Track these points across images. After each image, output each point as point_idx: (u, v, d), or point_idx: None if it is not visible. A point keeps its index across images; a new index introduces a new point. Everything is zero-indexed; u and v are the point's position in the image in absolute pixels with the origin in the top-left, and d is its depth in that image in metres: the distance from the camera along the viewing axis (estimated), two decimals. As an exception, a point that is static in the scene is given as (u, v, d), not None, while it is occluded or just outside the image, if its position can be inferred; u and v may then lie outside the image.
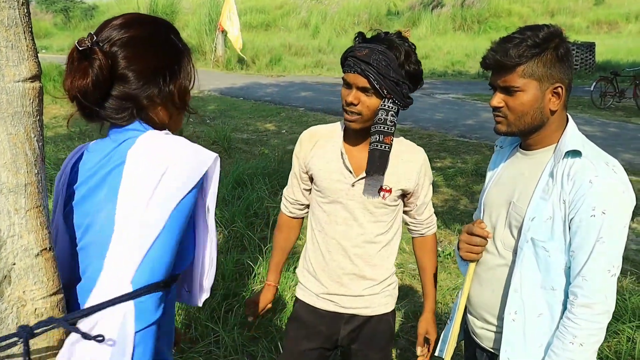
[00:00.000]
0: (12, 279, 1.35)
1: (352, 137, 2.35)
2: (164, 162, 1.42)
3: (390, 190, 2.33)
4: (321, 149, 2.40)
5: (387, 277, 2.47)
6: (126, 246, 1.39)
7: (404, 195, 2.42)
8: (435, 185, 7.50)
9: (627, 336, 3.82)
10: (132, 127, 1.55)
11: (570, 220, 1.85)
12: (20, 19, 1.33)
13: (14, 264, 1.35)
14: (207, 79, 17.80)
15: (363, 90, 2.19)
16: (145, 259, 1.39)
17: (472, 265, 2.15)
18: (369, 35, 2.27)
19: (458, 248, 2.17)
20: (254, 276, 4.68)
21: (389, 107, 2.19)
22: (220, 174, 1.55)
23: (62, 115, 11.68)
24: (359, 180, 2.32)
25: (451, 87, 17.93)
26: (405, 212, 2.50)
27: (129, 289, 1.38)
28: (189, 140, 1.50)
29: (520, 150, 2.09)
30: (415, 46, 2.27)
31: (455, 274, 5.06)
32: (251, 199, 6.08)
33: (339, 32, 30.24)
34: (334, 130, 2.43)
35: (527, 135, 2.01)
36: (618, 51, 24.96)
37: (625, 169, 1.92)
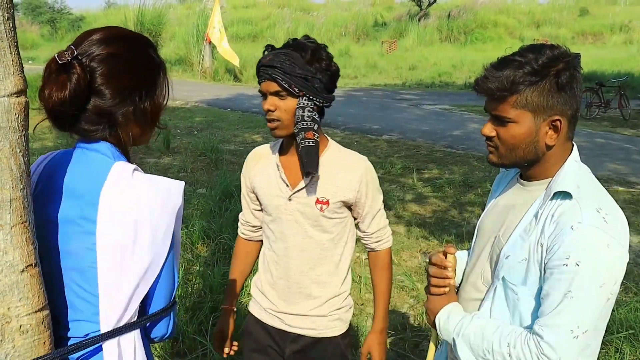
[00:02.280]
0: (-3, 295, 1.34)
1: (286, 150, 2.32)
2: (138, 212, 1.47)
3: (327, 202, 2.26)
4: (262, 167, 2.38)
5: (335, 296, 2.37)
6: (123, 286, 1.49)
7: (350, 208, 2.35)
8: (423, 196, 7.53)
9: (615, 347, 3.84)
10: (100, 148, 1.56)
11: (545, 265, 1.64)
12: (5, 34, 1.32)
13: (-1, 281, 1.34)
14: (194, 90, 17.78)
15: (276, 94, 2.18)
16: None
17: (434, 333, 2.05)
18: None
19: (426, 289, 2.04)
20: (242, 289, 4.65)
21: (304, 104, 2.18)
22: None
23: (49, 126, 11.61)
24: (295, 193, 2.27)
25: (438, 98, 18.02)
26: (356, 226, 2.43)
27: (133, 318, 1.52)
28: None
29: (519, 180, 1.88)
30: (325, 45, 2.27)
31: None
32: (238, 210, 6.03)
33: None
34: (275, 147, 2.41)
35: (523, 168, 1.83)
36: (603, 62, 25.22)
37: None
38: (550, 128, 1.70)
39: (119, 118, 1.56)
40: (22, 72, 1.38)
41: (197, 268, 4.97)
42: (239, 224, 2.59)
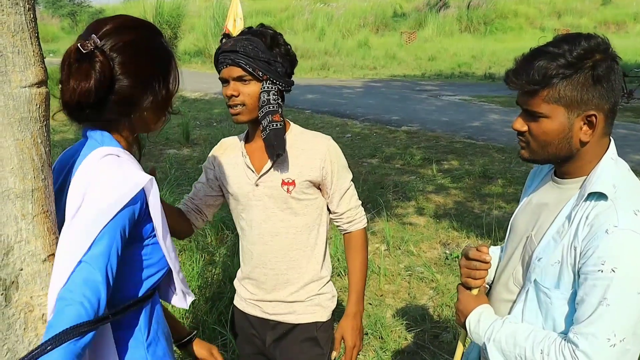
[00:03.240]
0: (20, 284, 1.35)
1: (250, 137, 2.33)
2: (85, 185, 1.43)
3: (293, 183, 2.25)
4: (228, 157, 2.39)
5: (313, 281, 2.36)
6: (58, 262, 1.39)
7: (319, 188, 2.34)
8: (442, 188, 7.49)
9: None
10: (96, 135, 1.55)
11: (579, 269, 1.57)
12: (26, 25, 1.33)
13: (22, 270, 1.35)
14: (213, 82, 17.76)
15: (239, 79, 2.18)
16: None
17: (463, 333, 2.00)
18: None
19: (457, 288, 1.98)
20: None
21: (268, 87, 2.18)
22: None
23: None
24: (261, 177, 2.27)
25: (458, 89, 17.90)
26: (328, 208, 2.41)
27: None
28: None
29: (553, 176, 1.79)
30: (280, 33, 2.28)
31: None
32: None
33: (345, 34, 30.27)
34: (235, 138, 2.44)
35: (556, 164, 1.75)
36: (626, 52, 24.82)
37: (635, 171, 1.75)
38: (585, 123, 1.61)
39: (140, 106, 1.57)
40: (43, 62, 1.39)
41: (217, 259, 4.99)
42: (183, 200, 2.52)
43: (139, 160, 1.64)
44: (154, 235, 1.58)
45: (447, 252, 5.53)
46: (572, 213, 1.63)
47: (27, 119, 1.34)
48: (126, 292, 1.56)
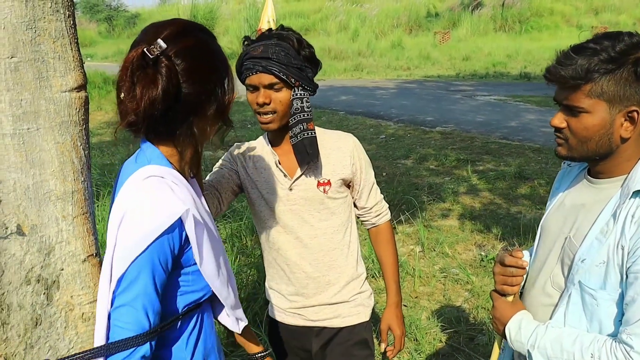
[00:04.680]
0: (61, 284, 1.39)
1: (277, 141, 2.28)
2: (124, 210, 1.38)
3: (329, 183, 2.25)
4: (258, 162, 2.31)
5: (353, 279, 2.35)
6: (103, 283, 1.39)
7: (348, 186, 2.33)
8: (477, 189, 7.42)
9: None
10: (147, 150, 1.49)
11: (627, 269, 1.54)
12: (67, 31, 1.36)
13: (62, 270, 1.38)
14: (247, 84, 17.92)
15: (270, 87, 2.12)
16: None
17: (498, 337, 1.98)
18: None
19: (492, 295, 1.95)
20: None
21: (301, 94, 2.15)
22: (196, 222, 1.46)
23: (107, 121, 11.90)
24: (295, 181, 2.24)
25: (493, 89, 17.70)
26: (354, 205, 2.41)
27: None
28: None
29: (587, 176, 1.78)
30: (301, 35, 2.23)
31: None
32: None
33: (379, 35, 30.16)
34: (260, 142, 2.36)
35: (593, 162, 1.73)
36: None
37: None
38: (626, 119, 1.60)
39: (206, 114, 1.50)
40: (82, 67, 1.42)
41: (252, 259, 5.02)
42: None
43: (195, 176, 1.60)
44: (195, 263, 1.51)
45: (483, 253, 5.48)
46: (617, 211, 1.61)
47: (67, 123, 1.37)
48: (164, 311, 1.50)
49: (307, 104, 2.17)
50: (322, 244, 2.30)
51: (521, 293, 1.95)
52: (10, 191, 1.30)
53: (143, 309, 1.35)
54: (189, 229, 1.43)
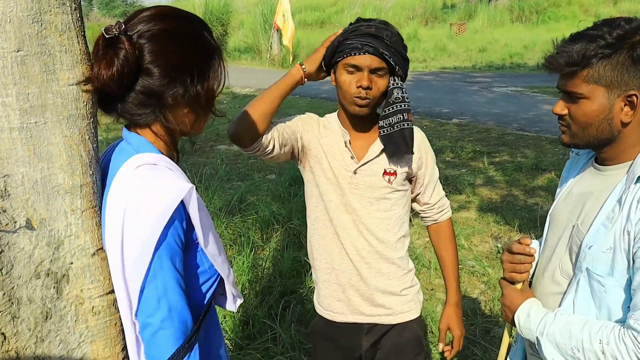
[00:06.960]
0: (70, 277, 1.39)
1: (353, 125, 2.22)
2: (124, 204, 1.38)
3: (395, 174, 2.18)
4: (330, 136, 2.24)
5: (405, 272, 2.29)
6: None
7: (410, 180, 2.28)
8: (493, 180, 7.37)
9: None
10: (132, 139, 1.50)
11: (634, 254, 1.55)
12: (73, 24, 1.36)
13: (72, 263, 1.38)
14: (263, 77, 17.92)
15: (375, 71, 2.05)
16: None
17: (508, 325, 1.98)
18: None
19: (500, 282, 1.95)
20: (311, 274, 4.68)
21: (400, 84, 2.10)
22: (199, 202, 1.46)
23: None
24: (361, 166, 2.18)
25: (509, 80, 17.57)
26: (413, 200, 2.35)
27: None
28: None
29: (594, 164, 1.79)
30: None
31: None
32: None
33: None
34: (333, 118, 2.29)
35: (597, 149, 1.73)
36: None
37: None
38: (625, 104, 1.60)
39: (167, 100, 1.46)
40: (90, 60, 1.42)
41: (267, 253, 5.03)
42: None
43: (177, 161, 1.57)
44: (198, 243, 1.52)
45: (499, 245, 5.44)
46: (623, 197, 1.61)
47: (74, 116, 1.37)
48: (193, 299, 1.52)
49: (406, 94, 2.12)
50: (378, 234, 2.22)
51: (531, 282, 1.95)
52: (18, 185, 1.30)
53: (180, 322, 1.40)
54: (192, 209, 1.43)
